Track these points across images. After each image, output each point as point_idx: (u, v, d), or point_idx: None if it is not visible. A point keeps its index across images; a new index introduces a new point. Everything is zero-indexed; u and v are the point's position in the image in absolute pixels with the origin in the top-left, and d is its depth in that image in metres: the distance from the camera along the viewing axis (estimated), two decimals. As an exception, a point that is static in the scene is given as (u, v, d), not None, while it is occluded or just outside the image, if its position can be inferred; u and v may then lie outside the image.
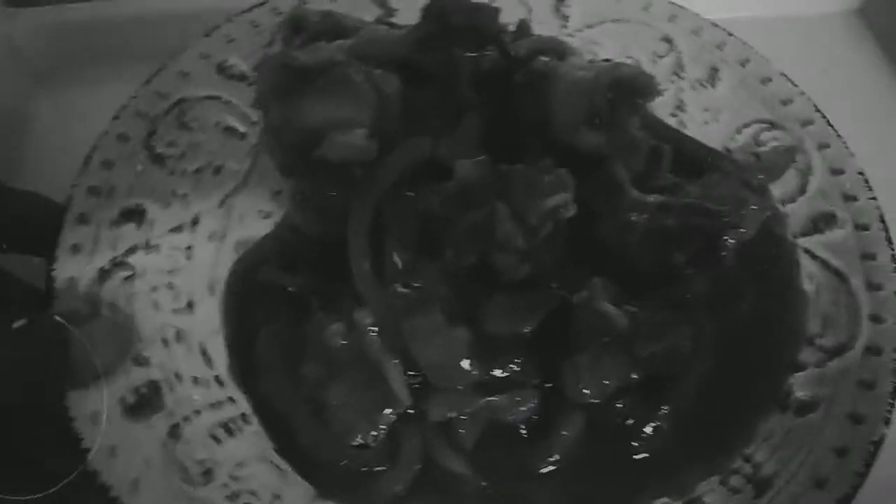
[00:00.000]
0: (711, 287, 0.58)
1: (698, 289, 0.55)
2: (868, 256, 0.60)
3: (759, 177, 0.65)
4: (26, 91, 0.79)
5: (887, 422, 0.52)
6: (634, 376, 0.52)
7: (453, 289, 0.54)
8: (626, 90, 0.55)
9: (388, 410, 0.51)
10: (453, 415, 0.51)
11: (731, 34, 0.73)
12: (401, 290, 0.52)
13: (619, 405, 0.53)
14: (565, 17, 0.77)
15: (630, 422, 0.53)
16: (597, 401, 0.51)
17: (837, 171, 0.65)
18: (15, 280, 0.53)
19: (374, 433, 0.51)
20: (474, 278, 0.54)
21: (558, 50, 0.57)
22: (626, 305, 0.52)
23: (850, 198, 0.63)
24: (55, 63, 0.80)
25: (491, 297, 0.54)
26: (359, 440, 0.51)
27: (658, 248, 0.53)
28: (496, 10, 0.59)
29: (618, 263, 0.54)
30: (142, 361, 0.55)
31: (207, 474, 0.51)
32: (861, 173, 0.64)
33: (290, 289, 0.59)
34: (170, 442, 0.52)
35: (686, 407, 0.54)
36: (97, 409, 0.51)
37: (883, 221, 0.61)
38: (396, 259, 0.55)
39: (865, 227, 0.62)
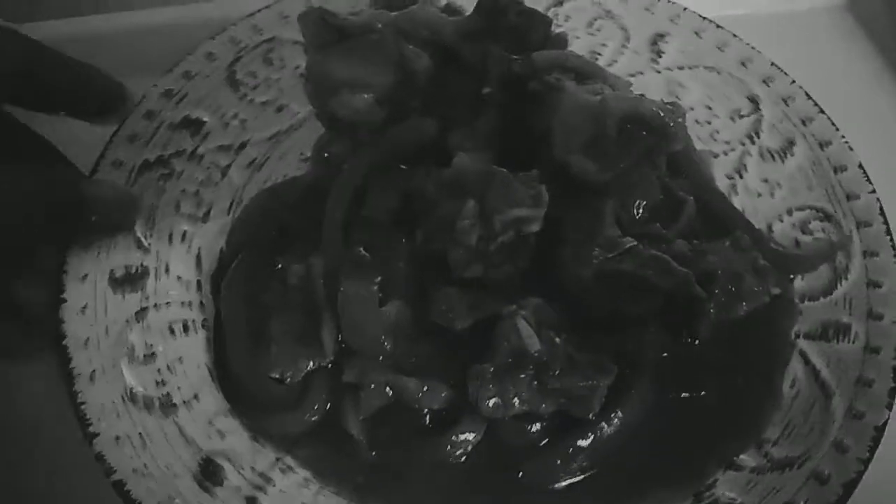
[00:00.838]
0: (671, 351, 0.55)
1: (646, 345, 0.53)
2: (865, 382, 0.55)
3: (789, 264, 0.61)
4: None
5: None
6: (545, 406, 0.51)
7: (413, 269, 0.56)
8: (643, 128, 0.54)
9: (311, 359, 0.54)
10: (363, 381, 0.53)
11: (822, 111, 0.68)
12: (360, 252, 0.55)
13: (528, 428, 0.53)
14: (659, 53, 0.75)
15: (530, 448, 0.52)
16: (498, 416, 0.51)
17: (874, 284, 0.59)
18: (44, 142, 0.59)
19: (291, 374, 0.54)
20: (436, 266, 0.56)
21: (582, 70, 0.56)
22: (556, 336, 0.51)
23: (875, 316, 0.57)
24: None
25: (441, 289, 0.55)
26: (277, 375, 0.55)
27: (607, 292, 0.52)
28: (548, 20, 0.59)
29: (569, 294, 0.53)
30: (142, 247, 0.62)
31: (148, 357, 0.56)
32: (900, 293, 0.58)
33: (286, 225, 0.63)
34: (133, 320, 0.58)
35: (598, 455, 0.53)
36: (88, 272, 0.59)
37: (898, 350, 0.55)
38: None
39: (876, 351, 0.56)
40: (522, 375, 0.50)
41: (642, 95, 0.57)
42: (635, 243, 0.52)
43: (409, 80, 0.57)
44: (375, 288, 0.53)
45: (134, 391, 0.54)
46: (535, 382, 0.51)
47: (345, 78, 0.56)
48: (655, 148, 0.55)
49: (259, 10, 0.75)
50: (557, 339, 0.51)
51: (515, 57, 0.57)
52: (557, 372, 0.50)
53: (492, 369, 0.50)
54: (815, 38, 0.87)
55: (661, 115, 0.54)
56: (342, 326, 0.53)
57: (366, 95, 0.56)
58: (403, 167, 0.59)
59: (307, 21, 0.56)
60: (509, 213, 0.52)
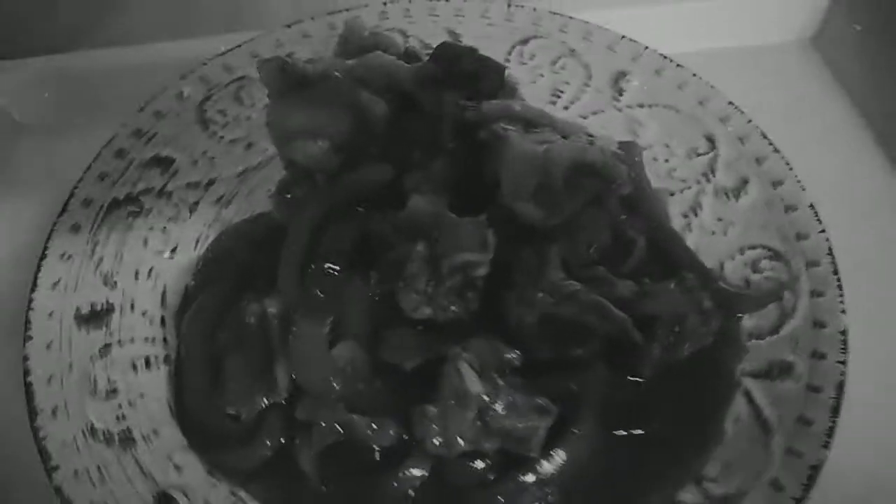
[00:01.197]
0: (616, 390, 0.57)
1: (589, 386, 0.54)
2: (805, 421, 0.56)
3: (737, 304, 0.62)
4: (9, 142, 0.81)
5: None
6: (488, 445, 0.53)
7: (367, 308, 0.58)
8: (590, 175, 0.56)
9: (265, 397, 0.56)
10: (314, 418, 0.55)
11: (776, 150, 0.70)
12: (315, 292, 0.57)
13: (473, 466, 0.54)
14: (621, 91, 0.77)
15: (475, 485, 0.54)
16: (443, 454, 0.53)
17: (819, 324, 0.60)
18: None
19: (246, 410, 0.56)
20: (389, 306, 0.57)
21: (529, 119, 0.58)
22: (499, 377, 0.53)
23: (819, 355, 0.59)
24: (36, 113, 0.83)
25: (393, 329, 0.57)
26: (233, 411, 0.57)
27: (550, 335, 0.53)
28: (501, 67, 0.61)
29: (513, 336, 0.55)
30: (108, 283, 0.64)
31: (111, 393, 0.58)
32: (843, 333, 0.59)
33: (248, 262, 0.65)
34: (97, 356, 0.60)
35: (541, 493, 0.54)
36: (53, 309, 0.61)
37: (839, 389, 0.57)
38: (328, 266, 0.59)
39: (817, 390, 0.57)
40: (466, 415, 0.51)
41: (592, 140, 0.58)
42: (578, 287, 0.54)
43: (366, 126, 0.59)
44: (327, 329, 0.55)
45: (95, 426, 0.56)
46: (478, 423, 0.52)
47: (301, 125, 0.58)
48: (604, 192, 0.57)
49: (230, 50, 0.77)
50: (500, 381, 0.53)
51: (468, 104, 0.58)
52: (499, 412, 0.52)
53: (436, 410, 0.51)
54: (781, 72, 0.89)
55: (608, 161, 0.55)
56: (293, 365, 0.54)
57: (320, 143, 0.58)
58: (361, 209, 0.60)
59: (267, 69, 0.58)
60: (457, 257, 0.53)
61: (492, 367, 0.53)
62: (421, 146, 0.62)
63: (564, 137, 0.59)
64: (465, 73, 0.61)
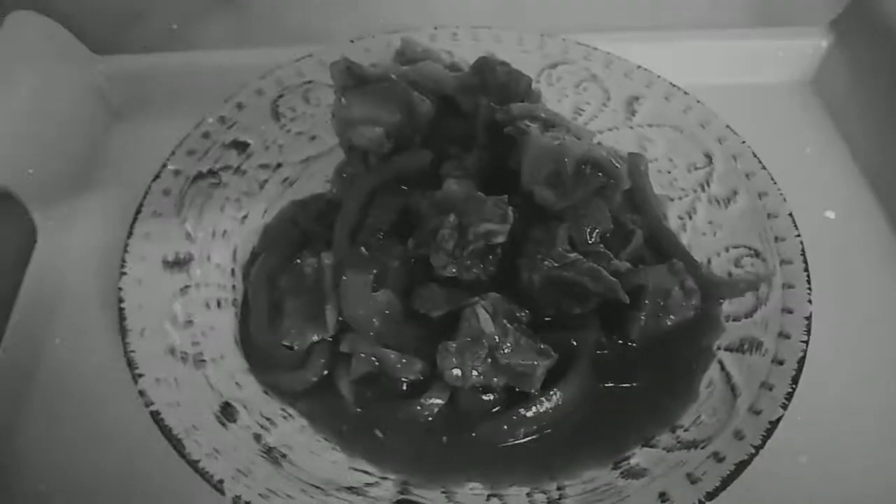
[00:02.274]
0: (611, 349, 0.68)
1: (584, 341, 0.65)
2: (767, 386, 0.66)
3: (720, 290, 0.73)
4: (105, 125, 0.94)
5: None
6: (496, 379, 0.64)
7: (405, 267, 0.70)
8: (597, 169, 0.68)
9: (315, 333, 0.68)
10: (354, 351, 0.67)
11: (764, 167, 0.81)
12: (362, 250, 0.69)
13: (483, 398, 0.65)
14: (633, 112, 0.89)
15: (484, 414, 0.65)
16: (459, 385, 0.64)
17: (788, 310, 0.70)
18: None
19: (299, 343, 0.68)
20: (423, 267, 0.69)
21: (549, 120, 0.70)
22: (509, 323, 0.64)
23: (784, 335, 0.69)
24: (130, 103, 0.96)
25: (427, 284, 0.69)
26: (288, 343, 0.69)
27: (553, 295, 0.65)
28: (528, 79, 0.74)
29: (523, 297, 0.66)
30: (190, 238, 0.77)
31: (188, 324, 0.71)
32: (807, 318, 0.69)
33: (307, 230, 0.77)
34: (178, 294, 0.73)
35: (539, 425, 0.65)
36: (146, 254, 0.73)
37: (800, 362, 0.66)
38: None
39: (781, 363, 0.67)
40: (479, 351, 0.63)
41: (599, 143, 0.70)
42: (580, 258, 0.65)
43: (414, 120, 0.72)
44: (371, 278, 0.67)
45: (174, 347, 0.68)
46: (489, 359, 0.63)
47: (361, 115, 0.71)
48: (607, 186, 0.68)
49: (303, 58, 0.91)
50: (509, 326, 0.64)
51: (499, 107, 0.71)
52: (507, 351, 0.63)
53: (454, 345, 0.63)
54: (779, 109, 1.00)
55: (611, 159, 0.67)
56: (342, 306, 0.66)
57: (377, 129, 0.70)
58: (405, 188, 0.72)
59: (336, 69, 0.71)
60: (481, 226, 0.65)
61: (503, 314, 0.64)
62: (458, 141, 0.74)
63: (577, 138, 0.71)
64: (498, 82, 0.73)
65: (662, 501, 0.59)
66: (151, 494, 0.65)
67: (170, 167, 0.80)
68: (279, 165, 0.86)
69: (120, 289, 0.70)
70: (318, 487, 0.60)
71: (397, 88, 0.71)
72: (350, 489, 0.61)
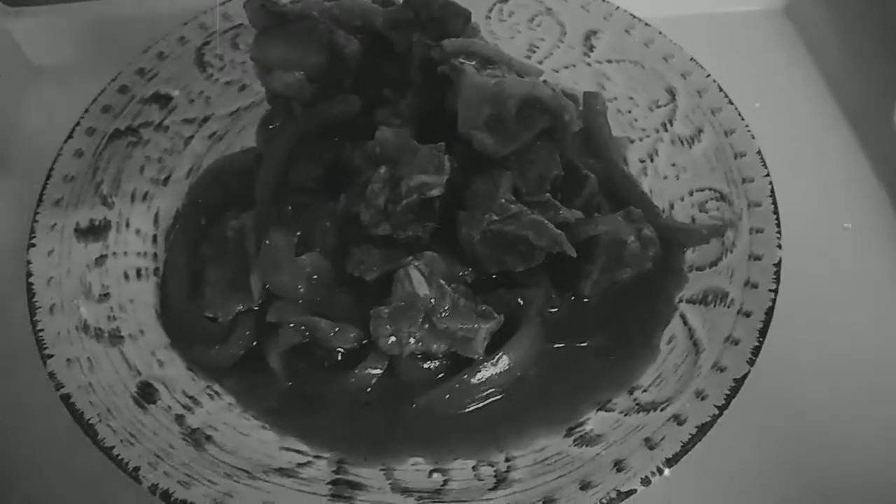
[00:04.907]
0: (562, 305, 0.62)
1: (531, 299, 0.60)
2: (733, 341, 0.61)
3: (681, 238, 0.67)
4: (23, 81, 0.87)
5: (645, 481, 0.54)
6: (436, 347, 0.58)
7: (336, 227, 0.64)
8: (540, 110, 0.61)
9: (240, 303, 0.62)
10: (282, 320, 0.61)
11: (731, 102, 0.74)
12: (285, 209, 0.63)
13: (424, 366, 0.60)
14: (591, 48, 0.82)
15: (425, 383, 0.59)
16: (395, 353, 0.58)
17: (755, 257, 0.65)
18: None
19: (223, 314, 0.62)
20: (356, 226, 0.63)
21: (486, 56, 0.63)
22: (447, 285, 0.58)
23: (752, 285, 0.64)
24: (47, 56, 0.89)
25: (359, 245, 0.62)
26: (211, 314, 0.63)
27: (495, 251, 0.59)
28: (466, 12, 0.66)
29: (464, 254, 0.60)
30: (107, 203, 0.70)
31: (104, 297, 0.65)
32: (776, 265, 0.64)
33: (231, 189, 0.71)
34: (93, 264, 0.66)
35: (485, 392, 0.60)
36: (56, 222, 0.67)
37: (768, 314, 0.61)
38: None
39: (747, 315, 0.62)
40: (414, 316, 0.57)
41: (545, 81, 0.63)
42: (523, 209, 0.59)
43: (340, 62, 0.65)
44: (294, 240, 0.60)
45: (87, 323, 0.62)
46: (426, 324, 0.58)
47: (279, 58, 0.64)
48: (555, 128, 0.62)
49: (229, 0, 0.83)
50: (447, 288, 0.58)
51: (433, 44, 0.64)
52: (444, 315, 0.57)
53: (387, 311, 0.57)
54: (751, 39, 0.93)
55: (557, 98, 0.60)
56: (263, 271, 0.60)
57: (297, 74, 0.63)
58: (336, 140, 0.66)
59: (250, 7, 0.64)
60: (414, 178, 0.59)
61: (440, 275, 0.58)
62: (391, 83, 0.67)
63: (521, 76, 0.64)
64: (432, 17, 0.66)
65: (618, 470, 0.54)
66: (72, 482, 0.59)
67: (82, 126, 0.73)
68: (206, 119, 0.79)
69: (28, 262, 0.64)
70: (244, 471, 0.55)
71: (319, 27, 0.64)
72: (280, 471, 0.56)
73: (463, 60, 0.61)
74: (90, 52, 0.90)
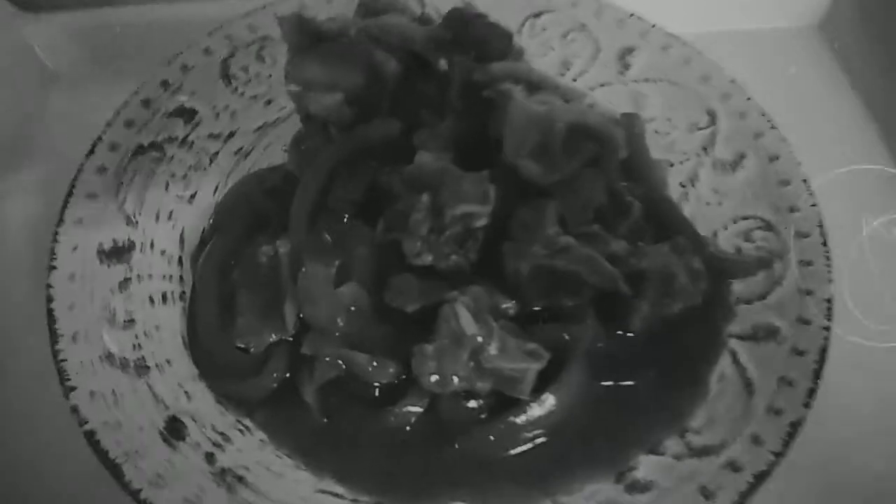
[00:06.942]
0: (608, 342, 0.60)
1: (579, 336, 0.57)
2: (787, 382, 0.58)
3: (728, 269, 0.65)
4: (38, 88, 0.85)
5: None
6: (481, 385, 0.56)
7: (374, 255, 0.61)
8: (589, 137, 0.58)
9: (273, 333, 0.60)
10: (318, 353, 0.58)
11: (773, 127, 0.72)
12: (323, 236, 0.60)
13: (467, 405, 0.57)
14: (626, 66, 0.80)
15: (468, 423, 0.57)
16: (438, 391, 0.56)
17: (806, 291, 0.63)
18: None
19: (255, 344, 0.60)
20: (395, 254, 0.60)
21: (534, 81, 0.60)
22: (493, 321, 0.55)
23: (804, 321, 0.61)
24: (65, 63, 0.87)
25: (400, 274, 0.60)
26: (242, 344, 0.60)
27: (543, 286, 0.56)
28: (508, 33, 0.64)
29: (509, 287, 0.58)
30: (131, 223, 0.67)
31: (129, 324, 0.62)
32: (828, 301, 0.62)
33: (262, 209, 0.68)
34: (116, 289, 0.63)
35: (530, 434, 0.57)
36: (78, 243, 0.64)
37: (822, 353, 0.59)
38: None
39: (801, 353, 0.59)
40: (460, 354, 0.54)
41: (592, 106, 0.61)
42: (572, 242, 0.57)
43: (378, 83, 0.62)
44: (333, 270, 0.58)
45: (111, 352, 0.59)
46: (472, 363, 0.55)
47: (317, 78, 0.61)
48: (601, 155, 0.59)
49: (255, 10, 0.80)
50: (494, 325, 0.55)
51: (476, 66, 0.61)
52: (492, 353, 0.54)
53: (431, 349, 0.54)
54: (785, 56, 0.91)
55: (606, 125, 0.58)
56: (300, 302, 0.58)
57: (335, 95, 0.60)
58: (372, 163, 0.63)
59: (287, 24, 0.61)
60: (458, 208, 0.56)
61: (487, 311, 0.56)
62: (430, 105, 0.65)
63: (567, 101, 0.61)
64: (474, 37, 0.63)
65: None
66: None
67: (104, 141, 0.70)
68: (231, 135, 0.76)
69: (49, 286, 0.61)
70: (279, 515, 0.53)
71: (357, 46, 0.61)
72: (317, 514, 0.53)
73: (511, 85, 0.58)
74: (108, 59, 0.87)
